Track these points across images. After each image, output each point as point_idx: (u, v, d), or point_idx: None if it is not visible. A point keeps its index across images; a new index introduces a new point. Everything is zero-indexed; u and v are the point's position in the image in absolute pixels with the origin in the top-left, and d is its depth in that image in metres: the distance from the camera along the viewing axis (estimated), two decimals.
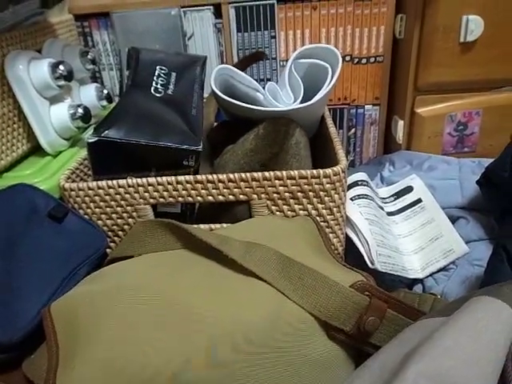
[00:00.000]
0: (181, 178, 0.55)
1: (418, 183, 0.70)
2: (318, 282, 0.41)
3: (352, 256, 0.59)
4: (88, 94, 0.76)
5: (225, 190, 0.55)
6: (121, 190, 0.56)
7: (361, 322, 0.39)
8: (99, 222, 0.59)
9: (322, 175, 0.52)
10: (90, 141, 0.55)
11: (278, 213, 0.56)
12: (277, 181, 0.53)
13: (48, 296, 0.47)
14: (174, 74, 0.65)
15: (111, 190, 0.56)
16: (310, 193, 0.54)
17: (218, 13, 0.88)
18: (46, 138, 0.66)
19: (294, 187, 0.54)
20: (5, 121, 0.62)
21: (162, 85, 0.63)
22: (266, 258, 0.44)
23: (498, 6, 0.74)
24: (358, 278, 0.41)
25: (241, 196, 0.55)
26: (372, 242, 0.57)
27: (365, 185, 0.66)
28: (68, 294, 0.45)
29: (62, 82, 0.65)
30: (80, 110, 0.68)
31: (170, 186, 0.55)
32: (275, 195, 0.54)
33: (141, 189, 0.56)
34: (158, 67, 0.65)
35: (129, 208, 0.57)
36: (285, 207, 0.55)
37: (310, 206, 0.55)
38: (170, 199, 0.56)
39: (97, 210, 0.58)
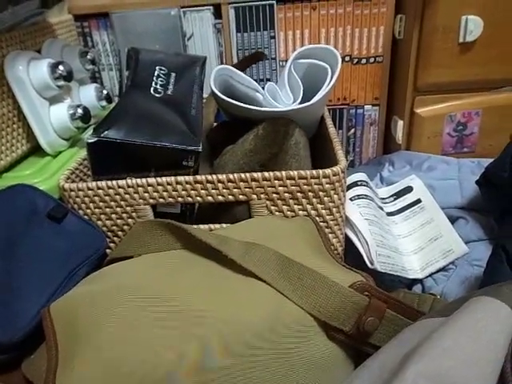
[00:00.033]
0: (180, 178, 0.55)
1: (418, 183, 0.70)
2: (318, 282, 0.41)
3: (351, 256, 0.59)
4: (87, 95, 0.76)
5: (224, 191, 0.55)
6: (120, 190, 0.56)
7: (360, 322, 0.39)
8: (99, 223, 0.59)
9: (322, 175, 0.52)
10: (90, 141, 0.55)
11: (277, 213, 0.56)
12: (276, 181, 0.53)
13: (47, 296, 0.48)
14: (173, 75, 0.65)
15: (111, 191, 0.56)
16: (310, 193, 0.54)
17: (217, 13, 0.88)
18: (45, 139, 0.66)
19: (293, 187, 0.54)
20: (4, 121, 0.62)
21: (161, 85, 0.63)
22: (265, 259, 0.44)
23: (497, 6, 0.75)
24: (358, 279, 0.41)
25: (240, 196, 0.55)
26: (371, 243, 0.57)
27: (364, 185, 0.66)
28: (68, 295, 0.45)
29: (61, 83, 0.65)
30: (79, 111, 0.68)
31: (169, 187, 0.55)
32: (274, 195, 0.54)
33: (140, 189, 0.56)
34: (157, 67, 0.65)
35: (128, 208, 0.57)
36: (284, 207, 0.55)
37: (309, 207, 0.55)
38: (170, 199, 0.56)
39: (96, 210, 0.58)
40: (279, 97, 0.62)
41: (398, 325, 0.40)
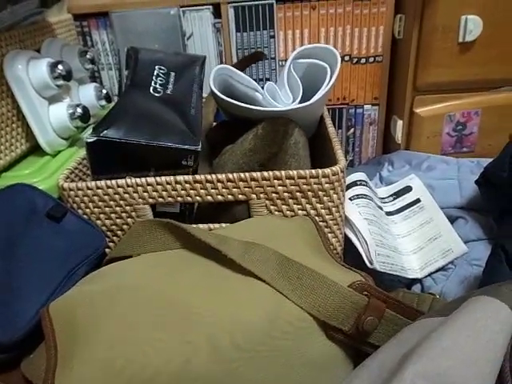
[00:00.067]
0: (180, 177, 0.55)
1: (417, 183, 0.70)
2: (317, 281, 0.41)
3: (351, 256, 0.59)
4: (87, 94, 0.76)
5: (224, 190, 0.55)
6: (120, 189, 0.56)
7: (359, 322, 0.39)
8: (98, 222, 0.59)
9: (321, 175, 0.52)
10: (89, 140, 0.55)
11: (276, 212, 0.56)
12: (276, 181, 0.53)
13: (47, 296, 0.48)
14: (173, 74, 0.65)
15: (110, 190, 0.56)
16: (309, 192, 0.54)
17: (217, 12, 0.88)
18: (44, 138, 0.66)
19: (292, 187, 0.54)
20: (3, 120, 0.62)
21: (160, 84, 0.63)
22: (264, 258, 0.44)
23: (496, 6, 0.75)
24: (357, 278, 0.41)
25: (240, 196, 0.55)
26: (371, 242, 0.57)
27: (364, 185, 0.66)
28: (67, 294, 0.45)
29: (60, 82, 0.65)
30: (79, 110, 0.68)
31: (168, 186, 0.55)
32: (274, 195, 0.54)
33: (140, 188, 0.56)
34: (157, 67, 0.65)
35: (128, 208, 0.57)
36: (284, 207, 0.55)
37: (308, 206, 0.55)
38: (169, 199, 0.56)
39: (96, 209, 0.58)
40: (279, 96, 0.62)
41: (397, 324, 0.40)
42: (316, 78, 0.62)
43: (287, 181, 0.53)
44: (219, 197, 0.55)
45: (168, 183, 0.55)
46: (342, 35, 0.88)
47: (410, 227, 0.66)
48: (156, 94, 0.62)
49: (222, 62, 0.92)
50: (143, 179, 0.55)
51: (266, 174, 0.53)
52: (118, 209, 0.58)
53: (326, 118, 0.69)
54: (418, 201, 0.68)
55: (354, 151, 0.99)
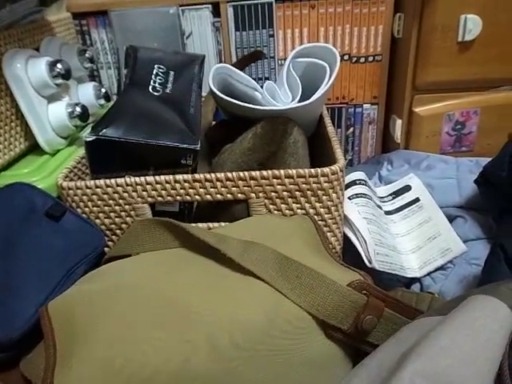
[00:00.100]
0: (179, 176, 0.55)
1: (416, 182, 0.70)
2: (316, 280, 0.41)
3: (350, 255, 0.59)
4: (86, 93, 0.76)
5: (223, 189, 0.55)
6: (119, 188, 0.56)
7: (358, 321, 0.39)
8: (97, 221, 0.59)
9: (320, 174, 0.52)
10: (88, 139, 0.55)
11: (275, 212, 0.56)
12: (275, 180, 0.53)
13: (46, 295, 0.47)
14: (172, 73, 0.65)
15: (109, 189, 0.56)
16: (308, 192, 0.54)
17: (216, 11, 0.88)
18: (43, 137, 0.66)
19: (291, 186, 0.54)
20: (2, 119, 0.62)
21: (160, 83, 0.63)
22: (263, 257, 0.44)
23: (496, 5, 0.75)
24: (356, 277, 0.42)
25: (239, 195, 0.55)
26: (370, 241, 0.57)
27: (363, 184, 0.66)
28: (66, 293, 0.45)
29: (59, 81, 0.65)
30: (78, 109, 0.67)
31: (167, 185, 0.55)
32: (273, 194, 0.54)
33: (139, 187, 0.56)
34: (156, 66, 0.65)
35: (127, 207, 0.57)
36: (283, 206, 0.55)
37: (307, 205, 0.55)
38: (168, 198, 0.56)
39: (95, 208, 0.58)
40: (278, 95, 0.62)
41: (396, 323, 0.40)
42: (315, 77, 0.62)
43: (286, 180, 0.53)
44: (218, 196, 0.55)
45: (167, 182, 0.55)
46: (341, 34, 0.88)
47: (409, 226, 0.66)
48: (155, 93, 0.62)
49: (221, 61, 0.92)
50: (142, 178, 0.55)
51: (265, 173, 0.53)
52: (117, 208, 0.58)
53: (325, 117, 0.69)
54: (417, 200, 0.68)
55: (354, 150, 0.99)
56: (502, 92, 0.82)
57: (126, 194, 0.56)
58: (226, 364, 0.37)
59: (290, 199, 0.55)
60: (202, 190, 0.55)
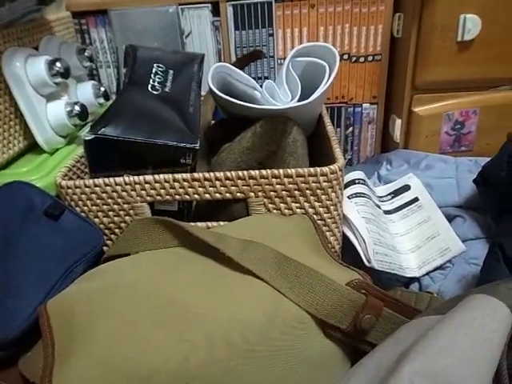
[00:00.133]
0: (178, 175, 0.55)
1: (415, 182, 0.70)
2: (315, 280, 0.41)
3: (349, 254, 0.59)
4: (85, 92, 0.75)
5: (222, 188, 0.55)
6: (118, 187, 0.56)
7: (357, 320, 0.39)
8: (96, 220, 0.59)
9: (319, 173, 0.52)
10: (87, 138, 0.55)
11: (275, 211, 0.56)
12: (274, 179, 0.53)
13: (44, 294, 0.47)
14: (171, 72, 0.65)
15: (108, 188, 0.56)
16: (307, 191, 0.54)
17: (215, 11, 0.88)
18: (42, 136, 0.66)
19: (291, 185, 0.54)
20: (1, 118, 0.62)
21: (159, 82, 0.63)
22: (262, 256, 0.44)
23: (495, 5, 0.75)
24: (355, 277, 0.42)
25: (238, 194, 0.55)
26: (369, 241, 0.57)
27: (362, 183, 0.66)
28: (64, 292, 0.45)
29: (58, 80, 0.65)
30: (77, 108, 0.67)
31: (166, 184, 0.55)
32: (272, 193, 0.54)
33: (138, 186, 0.56)
34: (155, 65, 0.65)
35: (126, 206, 0.57)
36: (282, 205, 0.55)
37: (307, 204, 0.55)
38: (167, 197, 0.56)
39: (93, 207, 0.58)
40: (277, 95, 0.62)
41: (394, 323, 0.40)
42: (315, 76, 0.62)
43: (285, 179, 0.53)
44: (217, 195, 0.55)
45: (166, 181, 0.55)
46: (340, 34, 0.88)
47: (408, 226, 0.66)
48: (154, 92, 0.62)
49: (220, 60, 0.92)
50: (141, 177, 0.55)
51: (264, 172, 0.53)
52: (115, 207, 0.58)
53: (324, 117, 0.69)
54: (416, 199, 0.68)
55: (353, 150, 0.99)
56: (502, 92, 0.82)
57: (124, 193, 0.56)
58: (224, 363, 0.37)
59: (289, 198, 0.55)
60: (201, 189, 0.55)
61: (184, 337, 0.38)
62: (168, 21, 0.87)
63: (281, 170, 0.53)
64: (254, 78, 0.64)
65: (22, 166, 0.65)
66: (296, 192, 0.54)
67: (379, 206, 0.68)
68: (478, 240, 0.63)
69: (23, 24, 0.68)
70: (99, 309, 0.41)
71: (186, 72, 0.66)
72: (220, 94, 0.60)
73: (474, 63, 0.79)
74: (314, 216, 0.56)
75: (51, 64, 0.64)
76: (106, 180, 0.56)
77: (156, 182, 0.55)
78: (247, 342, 0.38)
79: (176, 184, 0.55)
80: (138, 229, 0.53)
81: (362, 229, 0.58)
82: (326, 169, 0.52)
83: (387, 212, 0.69)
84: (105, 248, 0.58)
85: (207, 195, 0.55)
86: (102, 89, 0.78)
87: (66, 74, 0.65)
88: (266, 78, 0.92)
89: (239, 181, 0.54)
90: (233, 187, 0.54)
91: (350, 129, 0.97)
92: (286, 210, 0.56)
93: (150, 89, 0.62)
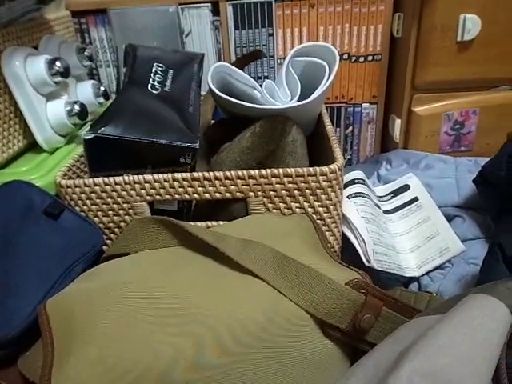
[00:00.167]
0: (177, 175, 0.55)
1: (415, 182, 0.70)
2: (314, 279, 0.41)
3: (348, 254, 0.59)
4: (85, 91, 0.75)
5: (221, 188, 0.55)
6: (117, 187, 0.56)
7: (356, 320, 0.39)
8: (95, 219, 0.59)
9: (319, 173, 0.52)
10: (87, 137, 0.55)
11: (274, 210, 0.56)
12: (273, 178, 0.53)
13: (44, 293, 0.47)
14: (171, 71, 0.65)
15: (107, 187, 0.56)
16: (307, 190, 0.54)
17: (215, 10, 0.88)
18: (42, 135, 0.66)
19: (290, 185, 0.54)
20: (1, 117, 0.62)
21: (159, 82, 0.63)
22: (262, 256, 0.44)
23: (495, 5, 0.75)
24: (354, 276, 0.42)
25: (237, 193, 0.55)
26: (368, 240, 0.57)
27: (361, 183, 0.66)
28: (64, 291, 0.45)
29: (58, 79, 0.65)
30: (76, 107, 0.67)
31: (166, 184, 0.55)
32: (272, 193, 0.54)
33: (137, 186, 0.56)
34: (155, 64, 0.65)
35: (125, 205, 0.57)
36: (281, 205, 0.55)
37: (306, 204, 0.55)
38: (167, 196, 0.56)
39: (93, 207, 0.58)
40: (277, 94, 0.62)
41: (394, 322, 0.40)
42: (314, 76, 0.62)
43: (285, 179, 0.53)
44: (217, 194, 0.55)
45: (166, 181, 0.55)
46: (340, 33, 0.88)
47: (408, 226, 0.66)
48: (154, 92, 0.62)
49: (220, 60, 0.92)
50: (141, 176, 0.55)
51: (263, 171, 0.53)
52: (115, 206, 0.58)
53: (324, 117, 0.69)
54: (415, 199, 0.68)
55: (352, 150, 0.99)
56: (501, 92, 0.82)
57: (124, 193, 0.56)
58: (224, 362, 0.37)
59: (288, 198, 0.55)
60: (200, 188, 0.55)
61: (181, 337, 0.38)
62: (168, 20, 0.87)
63: (280, 170, 0.53)
64: (253, 78, 0.64)
65: (22, 165, 0.65)
66: (295, 192, 0.54)
67: (379, 206, 0.68)
68: (478, 240, 0.63)
69: (23, 23, 0.68)
70: (98, 308, 0.41)
71: (185, 71, 0.66)
72: (220, 94, 0.60)
73: (474, 63, 0.79)
74: (314, 216, 0.56)
75: (51, 63, 0.64)
76: (106, 179, 0.56)
77: (155, 181, 0.55)
78: (246, 341, 0.38)
79: (175, 183, 0.55)
80: (138, 228, 0.53)
81: (361, 228, 0.58)
82: (325, 168, 0.52)
83: (387, 212, 0.69)
84: (104, 247, 0.58)
85: (207, 195, 0.55)
86: (102, 88, 0.78)
87: (65, 73, 0.65)
88: (266, 77, 0.92)
89: (239, 180, 0.54)
90: (232, 187, 0.54)
91: (350, 128, 0.97)
92: (286, 210, 0.56)
93: (149, 88, 0.62)
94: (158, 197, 0.56)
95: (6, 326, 0.44)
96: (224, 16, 0.87)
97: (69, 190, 0.57)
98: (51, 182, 0.60)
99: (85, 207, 0.58)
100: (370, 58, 0.89)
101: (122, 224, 0.59)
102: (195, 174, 0.54)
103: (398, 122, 0.87)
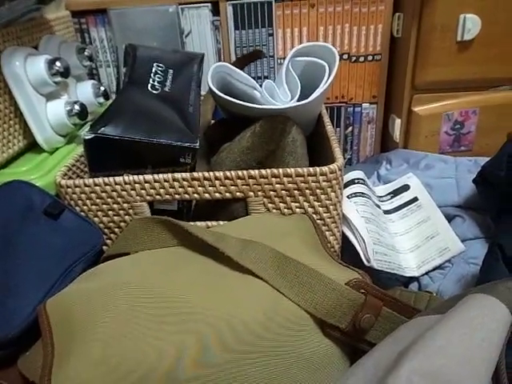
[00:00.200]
0: (177, 175, 0.55)
1: (415, 182, 0.70)
2: (314, 279, 0.41)
3: (348, 254, 0.59)
4: (85, 91, 0.76)
5: (221, 188, 0.55)
6: (117, 187, 0.56)
7: (356, 320, 0.39)
8: (95, 219, 0.59)
9: (319, 173, 0.52)
10: (87, 137, 0.55)
11: (274, 210, 0.56)
12: (273, 178, 0.53)
13: (44, 293, 0.47)
14: (171, 72, 0.65)
15: (107, 187, 0.56)
16: (307, 190, 0.54)
17: (215, 10, 0.88)
18: (42, 135, 0.66)
19: (290, 185, 0.54)
20: (1, 117, 0.62)
21: (159, 82, 0.63)
22: (262, 256, 0.44)
23: (495, 5, 0.75)
24: (354, 276, 0.42)
25: (237, 193, 0.55)
26: (368, 240, 0.57)
27: (361, 183, 0.66)
28: (64, 291, 0.45)
29: (58, 79, 0.65)
30: (76, 107, 0.67)
31: (166, 183, 0.55)
32: (272, 193, 0.54)
33: (137, 186, 0.56)
34: (155, 64, 0.65)
35: (125, 205, 0.57)
36: (281, 205, 0.55)
37: (306, 204, 0.55)
38: (167, 196, 0.56)
39: (93, 207, 0.58)
40: (277, 94, 0.62)
41: (393, 322, 0.40)
42: (314, 76, 0.62)
43: (285, 179, 0.53)
44: (217, 194, 0.55)
45: (166, 180, 0.55)
46: (340, 33, 0.88)
47: (408, 226, 0.66)
48: (154, 92, 0.62)
49: (220, 60, 0.92)
50: (141, 176, 0.55)
51: (263, 171, 0.53)
52: (115, 206, 0.58)
53: (324, 116, 0.69)
54: (415, 199, 0.68)
55: (352, 149, 0.99)
56: (501, 92, 0.82)
57: (124, 193, 0.56)
58: (224, 362, 0.37)
59: (288, 198, 0.55)
60: (200, 188, 0.55)
61: (183, 336, 0.38)
62: (168, 20, 0.87)
63: (280, 170, 0.53)
64: (253, 78, 0.64)
65: (22, 165, 0.65)
66: (295, 191, 0.54)
67: (379, 206, 0.68)
68: (478, 240, 0.63)
69: (23, 23, 0.68)
70: (98, 308, 0.41)
71: (185, 71, 0.66)
72: (220, 94, 0.60)
73: (474, 63, 0.79)
74: (314, 216, 0.56)
75: (51, 63, 0.64)
76: (106, 179, 0.56)
77: (155, 181, 0.55)
78: (246, 341, 0.38)
79: (175, 183, 0.55)
80: (138, 228, 0.53)
81: (361, 228, 0.58)
82: (325, 168, 0.52)
83: (387, 212, 0.69)
84: (104, 247, 0.58)
85: (207, 195, 0.55)
86: (102, 88, 0.78)
87: (65, 73, 0.65)
88: (266, 77, 0.92)
89: (239, 180, 0.54)
90: (232, 187, 0.54)
91: (350, 128, 0.97)
92: (286, 210, 0.56)
93: (149, 88, 0.62)
94: (157, 197, 0.56)
95: (5, 326, 0.44)
96: (224, 16, 0.87)
97: (69, 189, 0.57)
98: (51, 182, 0.60)
99: (85, 207, 0.58)
100: (369, 57, 0.89)
101: (122, 224, 0.59)
102: (195, 174, 0.54)
103: (397, 121, 0.87)
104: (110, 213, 0.58)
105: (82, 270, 0.51)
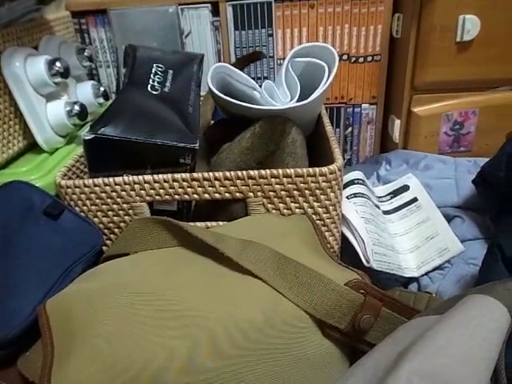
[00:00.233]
0: (177, 175, 0.55)
1: (414, 182, 0.70)
2: (314, 280, 0.41)
3: (348, 254, 0.59)
4: (85, 92, 0.76)
5: (221, 188, 0.55)
6: (117, 187, 0.56)
7: (356, 320, 0.39)
8: (95, 220, 0.59)
9: (318, 173, 0.53)
10: (87, 138, 0.55)
11: (274, 211, 0.56)
12: (273, 179, 0.53)
13: (43, 293, 0.47)
14: (170, 72, 0.65)
15: (107, 188, 0.56)
16: (306, 191, 0.54)
17: (215, 11, 0.88)
18: (42, 135, 0.66)
19: (290, 185, 0.54)
20: (1, 118, 0.62)
21: (158, 82, 0.63)
22: (261, 256, 0.44)
23: (494, 5, 0.75)
24: (354, 277, 0.42)
25: (237, 194, 0.55)
26: (368, 241, 0.57)
27: (361, 183, 0.66)
28: (63, 292, 0.45)
29: (58, 79, 0.65)
30: (76, 107, 0.67)
31: (166, 184, 0.55)
32: (271, 193, 0.54)
33: (137, 186, 0.56)
34: (154, 65, 0.65)
35: (125, 205, 0.57)
36: (281, 205, 0.55)
37: (306, 205, 0.55)
38: (167, 197, 0.56)
39: (93, 207, 0.58)
40: (276, 95, 0.62)
41: (393, 323, 0.40)
42: (314, 76, 0.62)
43: (284, 179, 0.53)
44: (216, 195, 0.55)
45: (165, 181, 0.55)
46: (340, 34, 0.88)
47: (407, 226, 0.66)
48: (154, 92, 0.62)
49: (220, 60, 0.92)
50: (140, 177, 0.55)
51: (263, 172, 0.53)
52: (115, 206, 0.58)
53: (323, 117, 0.69)
54: (415, 200, 0.69)
55: (352, 150, 1.00)
56: (501, 92, 0.82)
57: (124, 193, 0.56)
58: (223, 362, 0.37)
59: (288, 198, 0.55)
60: (200, 189, 0.55)
61: (180, 338, 0.38)
62: (168, 21, 0.87)
63: (280, 170, 0.53)
64: (253, 78, 0.64)
65: (22, 165, 0.65)
66: (295, 192, 0.54)
67: (378, 206, 0.68)
68: (477, 240, 0.63)
69: (23, 24, 0.68)
70: (97, 308, 0.41)
71: (185, 72, 0.66)
72: (219, 95, 0.60)
73: (474, 64, 0.79)
74: (313, 216, 0.56)
75: (51, 64, 0.64)
76: (106, 180, 0.56)
77: (155, 181, 0.55)
78: (246, 341, 0.38)
79: (175, 184, 0.55)
80: (138, 228, 0.53)
81: (360, 229, 0.58)
82: (324, 169, 0.52)
83: (386, 212, 0.69)
84: (104, 248, 0.58)
85: (206, 195, 0.55)
86: (102, 88, 0.78)
87: (65, 73, 0.66)
88: (266, 78, 0.92)
89: (238, 181, 0.54)
90: (232, 187, 0.54)
91: (350, 129, 0.97)
92: (285, 210, 0.56)
93: (149, 89, 0.62)
94: (157, 197, 0.56)
95: (5, 326, 0.44)
96: (224, 16, 0.87)
97: (69, 190, 0.57)
98: (51, 182, 0.60)
99: (84, 207, 0.58)
100: (369, 58, 0.89)
101: (122, 224, 0.59)
102: (195, 175, 0.54)
103: (397, 122, 0.87)
104: (110, 213, 0.58)
105: (81, 271, 0.51)
